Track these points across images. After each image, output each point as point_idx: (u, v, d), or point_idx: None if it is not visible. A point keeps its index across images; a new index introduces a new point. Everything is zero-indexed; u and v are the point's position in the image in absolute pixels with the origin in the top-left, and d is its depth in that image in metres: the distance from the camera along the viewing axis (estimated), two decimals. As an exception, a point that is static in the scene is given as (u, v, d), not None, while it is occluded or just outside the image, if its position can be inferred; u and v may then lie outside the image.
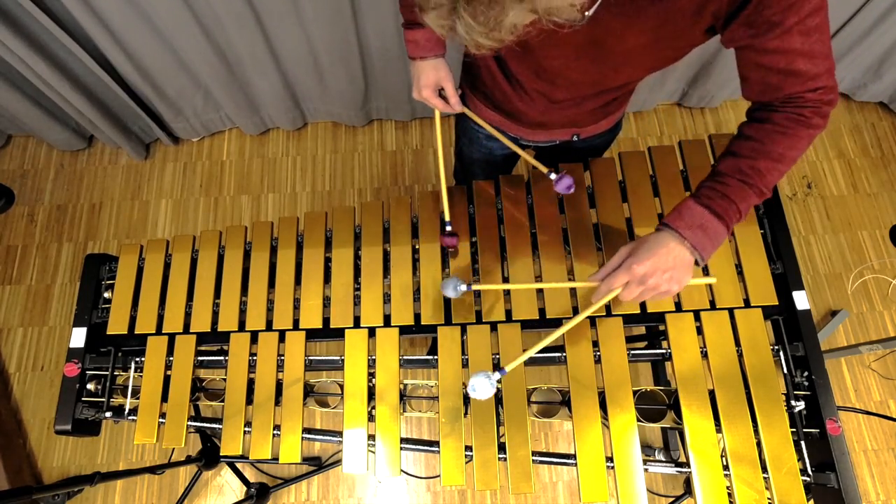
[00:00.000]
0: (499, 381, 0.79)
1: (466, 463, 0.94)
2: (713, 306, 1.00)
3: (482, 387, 0.76)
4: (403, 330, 1.04)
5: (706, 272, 1.02)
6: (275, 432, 1.01)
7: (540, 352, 1.02)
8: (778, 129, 0.71)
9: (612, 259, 0.77)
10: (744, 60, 0.70)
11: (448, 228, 1.05)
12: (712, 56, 1.91)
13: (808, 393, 0.95)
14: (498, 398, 0.97)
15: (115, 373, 1.09)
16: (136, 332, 1.10)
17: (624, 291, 0.75)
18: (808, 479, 0.92)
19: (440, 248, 1.08)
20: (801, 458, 0.93)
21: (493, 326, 1.02)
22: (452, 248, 1.06)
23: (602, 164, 1.12)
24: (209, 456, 1.40)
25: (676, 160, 1.12)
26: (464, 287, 0.89)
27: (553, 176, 1.01)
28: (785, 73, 0.67)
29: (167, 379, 1.07)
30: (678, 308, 1.01)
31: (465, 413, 0.98)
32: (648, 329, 1.46)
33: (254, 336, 1.07)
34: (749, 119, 0.76)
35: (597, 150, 1.18)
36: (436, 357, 1.01)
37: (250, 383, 1.04)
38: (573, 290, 1.02)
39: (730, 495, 0.89)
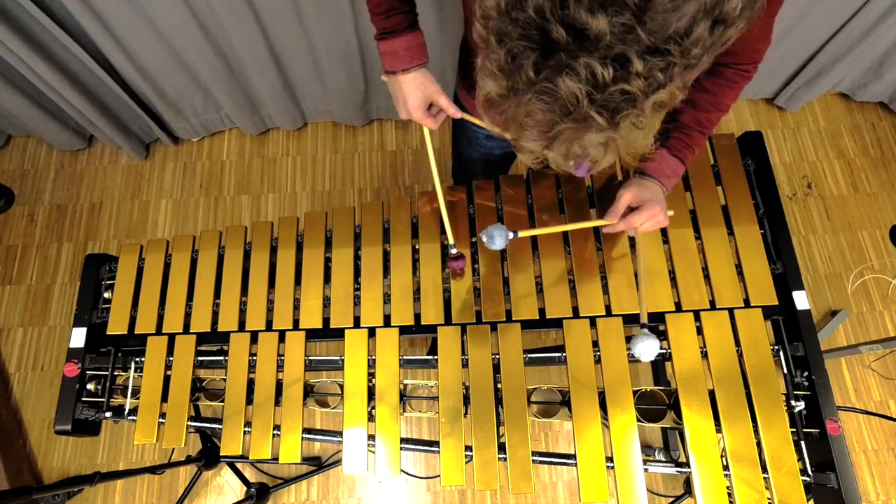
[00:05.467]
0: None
1: (466, 463, 0.95)
2: (713, 306, 1.00)
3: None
4: (403, 330, 1.04)
5: (706, 274, 1.03)
6: (275, 432, 1.01)
7: (540, 352, 1.03)
8: (729, 83, 0.85)
9: (619, 201, 0.89)
10: None
11: (453, 251, 0.96)
12: (712, 56, 1.91)
13: (808, 393, 0.96)
14: (498, 398, 0.97)
15: (115, 373, 1.09)
16: (136, 332, 1.10)
17: (640, 227, 0.90)
18: (808, 479, 0.92)
19: (440, 247, 1.08)
20: (801, 458, 0.93)
21: (493, 326, 1.02)
22: (460, 272, 0.99)
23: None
24: (209, 456, 1.40)
25: (676, 160, 1.12)
26: (511, 234, 0.83)
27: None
28: (744, 49, 0.80)
29: (167, 379, 1.07)
30: (678, 308, 1.01)
31: (465, 413, 0.98)
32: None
33: (254, 336, 1.07)
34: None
35: None
36: (436, 357, 1.01)
37: (250, 383, 1.04)
38: (574, 291, 1.03)
39: (730, 495, 0.89)
